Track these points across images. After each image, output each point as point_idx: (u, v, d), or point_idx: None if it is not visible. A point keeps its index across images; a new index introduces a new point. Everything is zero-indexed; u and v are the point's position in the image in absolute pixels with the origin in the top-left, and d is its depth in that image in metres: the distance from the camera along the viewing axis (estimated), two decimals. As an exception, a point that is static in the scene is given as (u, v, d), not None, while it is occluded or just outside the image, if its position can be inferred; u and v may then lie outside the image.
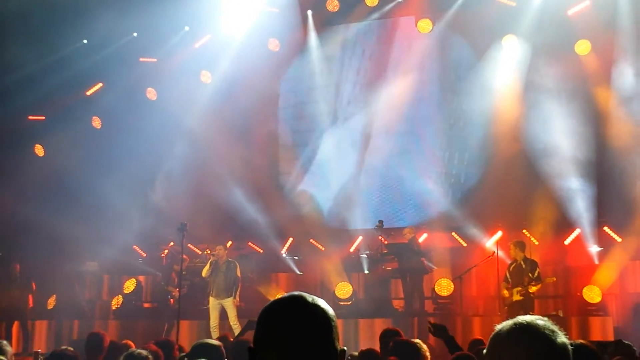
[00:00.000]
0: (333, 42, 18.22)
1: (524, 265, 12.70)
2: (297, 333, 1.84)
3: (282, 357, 1.83)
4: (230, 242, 16.82)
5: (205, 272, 13.59)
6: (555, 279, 13.13)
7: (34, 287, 14.77)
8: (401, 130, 17.54)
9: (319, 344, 1.85)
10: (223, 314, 13.55)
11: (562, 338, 2.29)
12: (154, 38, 17.41)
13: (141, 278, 16.25)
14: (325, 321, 1.88)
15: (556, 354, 2.25)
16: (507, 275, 12.91)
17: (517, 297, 12.53)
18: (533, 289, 12.57)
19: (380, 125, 17.53)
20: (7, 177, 16.04)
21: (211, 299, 13.53)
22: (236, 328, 13.08)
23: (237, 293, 13.52)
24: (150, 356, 5.10)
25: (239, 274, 13.64)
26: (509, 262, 13.22)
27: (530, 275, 12.58)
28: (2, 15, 15.95)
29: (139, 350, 5.09)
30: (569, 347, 2.28)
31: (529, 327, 2.30)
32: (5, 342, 5.78)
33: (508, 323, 2.37)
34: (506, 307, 12.68)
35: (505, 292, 12.72)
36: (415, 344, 6.25)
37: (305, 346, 1.83)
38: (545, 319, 2.35)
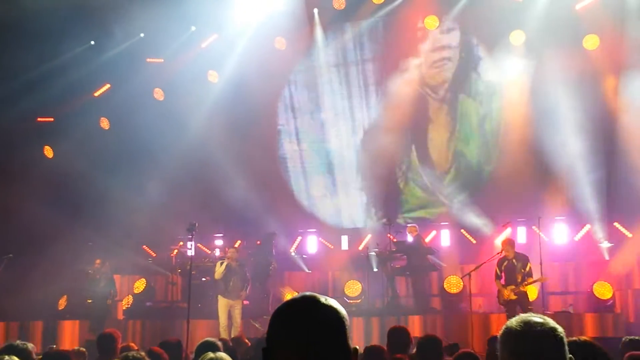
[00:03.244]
0: (339, 40, 18.21)
1: (515, 263, 12.51)
2: (310, 333, 1.85)
3: (296, 357, 1.84)
4: (239, 242, 16.86)
5: (219, 274, 13.53)
6: (547, 279, 12.87)
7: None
8: (409, 127, 17.51)
9: (332, 343, 1.86)
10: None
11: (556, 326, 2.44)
12: (161, 38, 17.41)
13: (151, 278, 16.30)
14: (338, 321, 1.89)
15: (556, 344, 2.40)
16: (498, 271, 12.66)
17: (512, 297, 12.33)
18: (526, 289, 12.36)
19: (386, 122, 17.51)
20: (16, 178, 16.11)
21: (224, 300, 13.49)
22: (237, 328, 13.19)
23: (248, 289, 13.77)
24: (142, 353, 5.18)
25: (248, 274, 13.86)
26: (499, 257, 12.99)
27: (522, 271, 12.38)
28: (9, 18, 16.00)
29: (132, 353, 5.16)
30: (562, 334, 2.43)
31: (532, 325, 2.42)
32: (22, 342, 5.76)
33: (513, 322, 2.45)
34: (503, 306, 12.52)
35: (503, 291, 12.51)
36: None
37: (318, 346, 1.84)
38: (540, 315, 2.43)
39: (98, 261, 15.11)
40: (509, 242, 12.85)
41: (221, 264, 13.59)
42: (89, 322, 14.39)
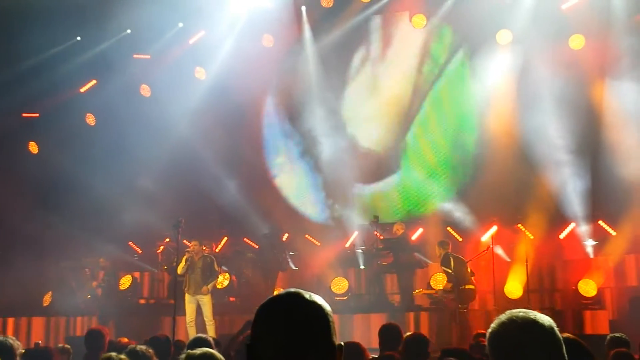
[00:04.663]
0: (327, 38, 18.21)
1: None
2: (295, 329, 1.85)
3: (281, 354, 1.84)
4: (226, 238, 16.83)
5: (180, 268, 12.84)
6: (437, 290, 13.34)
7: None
8: (397, 124, 17.56)
9: (317, 340, 1.87)
10: (199, 310, 13.04)
11: (549, 321, 2.42)
12: (148, 34, 17.35)
13: (137, 274, 16.24)
14: (322, 317, 1.89)
15: (542, 333, 2.40)
16: None
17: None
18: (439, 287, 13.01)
19: (374, 120, 17.54)
20: (1, 175, 16.00)
21: (187, 295, 12.96)
22: (210, 325, 12.75)
23: (212, 283, 13.05)
24: (151, 351, 5.12)
25: (217, 268, 13.22)
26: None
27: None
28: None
29: (139, 347, 5.10)
30: (548, 324, 2.42)
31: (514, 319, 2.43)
32: (12, 337, 5.65)
33: (493, 324, 2.46)
34: None
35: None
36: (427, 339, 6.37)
37: (303, 342, 1.85)
38: (524, 310, 2.44)
39: (102, 259, 15.15)
40: (438, 244, 13.44)
41: (185, 259, 12.98)
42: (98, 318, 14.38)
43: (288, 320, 1.86)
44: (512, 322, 2.41)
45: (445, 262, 12.84)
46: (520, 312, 2.46)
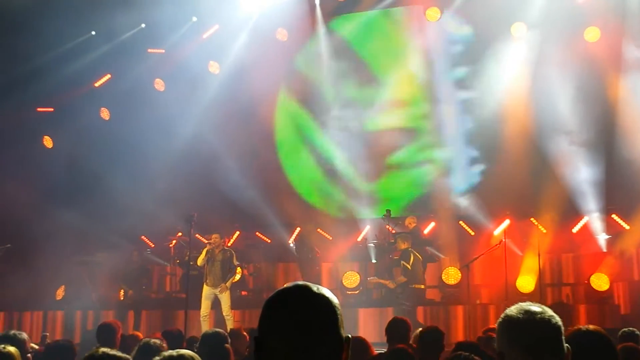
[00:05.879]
0: (341, 31, 18.19)
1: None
2: (302, 322, 1.86)
3: (289, 346, 1.85)
4: (238, 232, 16.88)
5: (200, 260, 12.98)
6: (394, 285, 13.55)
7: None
8: (409, 118, 17.53)
9: (325, 332, 1.87)
10: (215, 305, 13.09)
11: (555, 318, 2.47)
12: (162, 29, 17.39)
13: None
14: (330, 310, 1.89)
15: (555, 333, 2.45)
16: None
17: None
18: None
19: (387, 113, 17.51)
20: (16, 169, 16.14)
21: (206, 287, 12.96)
22: (229, 319, 12.73)
23: (230, 280, 13.04)
24: (165, 345, 5.15)
25: (235, 262, 13.18)
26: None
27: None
28: (10, 8, 16.00)
29: (153, 340, 5.12)
30: (560, 323, 2.48)
31: (532, 313, 2.46)
32: (18, 331, 5.71)
33: (513, 310, 2.49)
34: None
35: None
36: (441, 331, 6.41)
37: (310, 335, 1.85)
38: (538, 304, 2.47)
39: (135, 253, 15.47)
40: (400, 236, 13.76)
41: (206, 251, 13.06)
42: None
43: (296, 312, 1.87)
44: (531, 315, 2.46)
45: (405, 256, 13.19)
46: (534, 305, 2.51)
